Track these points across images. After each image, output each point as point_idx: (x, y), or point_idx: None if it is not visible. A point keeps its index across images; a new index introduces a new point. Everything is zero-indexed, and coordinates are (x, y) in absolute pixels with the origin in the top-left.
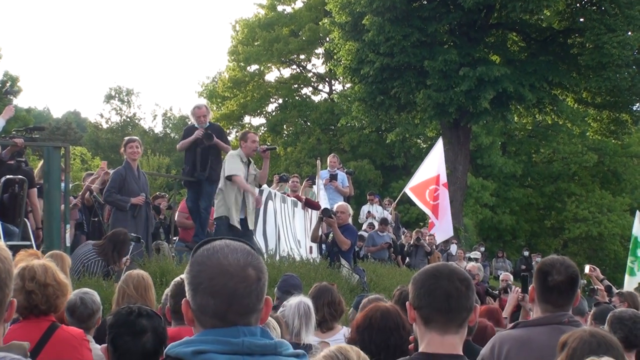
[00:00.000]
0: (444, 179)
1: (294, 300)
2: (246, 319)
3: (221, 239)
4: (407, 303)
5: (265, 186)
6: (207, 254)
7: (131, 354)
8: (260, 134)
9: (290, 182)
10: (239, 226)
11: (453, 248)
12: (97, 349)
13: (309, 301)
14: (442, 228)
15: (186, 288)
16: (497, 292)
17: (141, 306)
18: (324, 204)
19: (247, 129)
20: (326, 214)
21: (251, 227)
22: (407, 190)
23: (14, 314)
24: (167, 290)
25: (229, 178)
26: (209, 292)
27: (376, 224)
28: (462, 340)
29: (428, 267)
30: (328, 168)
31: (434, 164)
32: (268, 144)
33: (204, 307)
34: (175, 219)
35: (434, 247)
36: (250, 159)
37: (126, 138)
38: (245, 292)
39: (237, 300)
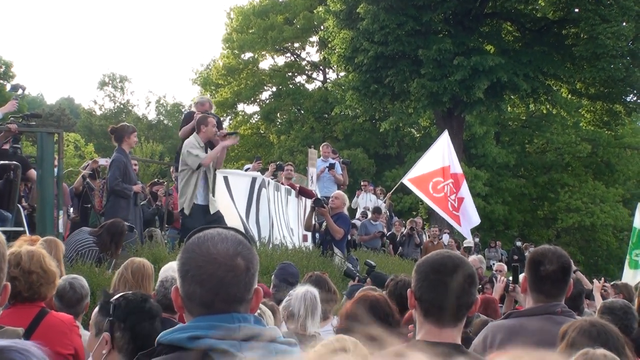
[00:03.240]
0: (457, 169)
1: (300, 290)
2: (234, 308)
3: (214, 227)
4: (408, 290)
5: (258, 174)
6: (198, 242)
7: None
8: (254, 121)
9: (284, 170)
10: (187, 211)
11: (445, 237)
12: (86, 335)
13: (315, 291)
14: (465, 220)
15: (176, 275)
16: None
17: (137, 292)
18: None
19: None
20: (318, 203)
21: (213, 210)
22: (406, 181)
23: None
24: (161, 278)
25: (199, 167)
26: (197, 280)
27: (369, 213)
28: (460, 332)
29: (434, 257)
30: (321, 158)
31: (438, 155)
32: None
33: (192, 295)
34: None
35: (427, 236)
36: (210, 143)
37: (129, 125)
38: (233, 281)
39: (224, 289)
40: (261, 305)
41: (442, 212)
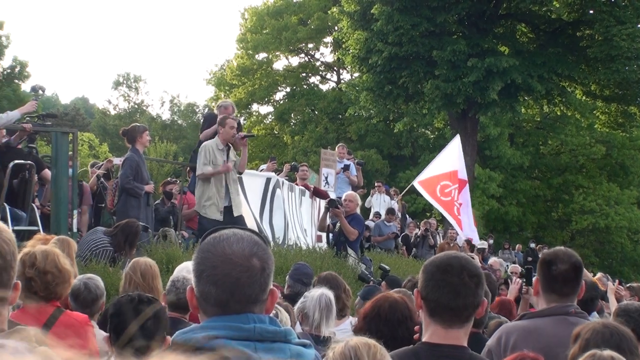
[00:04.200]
0: (463, 175)
1: (315, 292)
2: (249, 308)
3: (230, 227)
4: (415, 290)
5: (273, 174)
6: (213, 242)
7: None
8: (268, 122)
9: (299, 170)
10: (219, 217)
11: (459, 239)
12: (101, 335)
13: (330, 294)
14: (467, 228)
15: (192, 275)
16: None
17: (141, 293)
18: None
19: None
20: (332, 204)
21: (236, 213)
22: (416, 183)
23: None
24: (172, 277)
25: (201, 177)
26: (212, 281)
27: (383, 214)
28: (466, 333)
29: (440, 257)
30: (337, 158)
31: (448, 159)
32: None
33: (207, 295)
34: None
35: (442, 237)
36: (230, 145)
37: (140, 125)
38: (248, 281)
39: (240, 289)
40: (277, 306)
41: (447, 215)
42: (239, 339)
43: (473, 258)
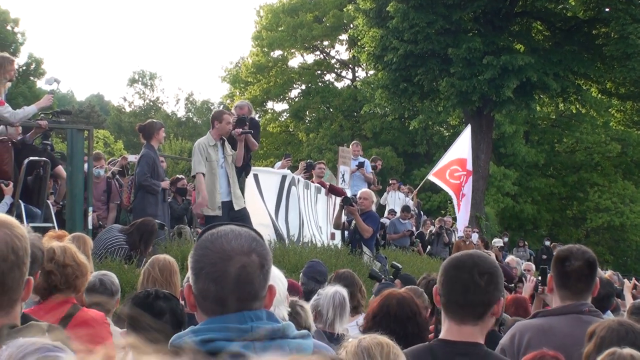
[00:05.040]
0: (470, 166)
1: (329, 290)
2: (247, 305)
3: (227, 224)
4: (434, 287)
5: (288, 171)
6: (211, 239)
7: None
8: (283, 119)
9: (316, 168)
10: (217, 212)
11: (474, 237)
12: (117, 332)
13: (344, 291)
14: (461, 215)
15: (189, 272)
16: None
17: (158, 289)
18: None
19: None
20: (347, 202)
21: (237, 207)
22: (431, 176)
23: (35, 296)
24: (188, 274)
25: (194, 176)
26: (211, 277)
27: (398, 211)
28: (482, 331)
29: (457, 255)
30: (352, 156)
31: (459, 147)
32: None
33: (205, 292)
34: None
35: (455, 234)
36: (224, 139)
37: (157, 121)
38: (248, 278)
39: (239, 286)
40: (301, 302)
41: (454, 198)
42: (236, 339)
43: (489, 255)
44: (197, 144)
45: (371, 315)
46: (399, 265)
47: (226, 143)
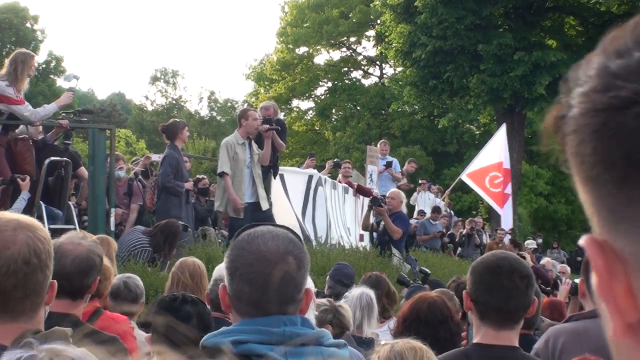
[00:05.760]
0: (507, 165)
1: (355, 292)
2: (283, 308)
3: (265, 224)
4: (464, 292)
5: (315, 171)
6: (248, 239)
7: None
8: (309, 118)
9: (342, 167)
10: (238, 215)
11: (506, 238)
12: (142, 336)
13: (371, 292)
14: (505, 217)
15: (224, 273)
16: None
17: (185, 293)
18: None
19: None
20: (375, 202)
21: (264, 207)
22: (464, 176)
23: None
24: (215, 277)
25: (220, 175)
26: (246, 279)
27: (427, 212)
28: (517, 334)
29: (489, 258)
30: (379, 155)
31: (495, 150)
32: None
33: (240, 294)
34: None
35: (487, 235)
36: (251, 138)
37: (180, 120)
38: (283, 280)
39: (274, 288)
40: (342, 304)
41: (497, 207)
42: (268, 343)
43: (524, 258)
44: (225, 142)
45: (402, 319)
46: (427, 270)
47: (253, 142)
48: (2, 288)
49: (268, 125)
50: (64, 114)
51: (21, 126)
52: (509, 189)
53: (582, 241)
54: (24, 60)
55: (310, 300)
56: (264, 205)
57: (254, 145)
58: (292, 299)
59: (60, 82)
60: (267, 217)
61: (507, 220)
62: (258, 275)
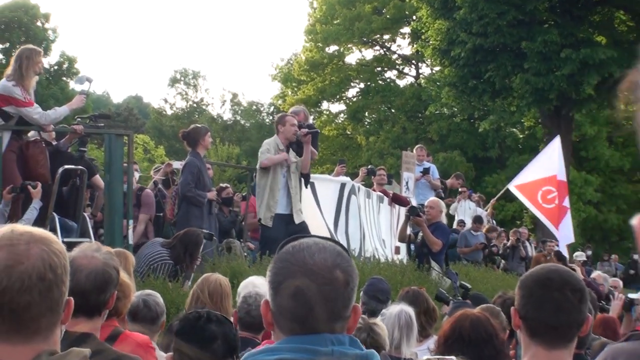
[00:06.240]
0: (562, 177)
1: (393, 309)
2: (329, 326)
3: (311, 236)
4: (512, 308)
5: (348, 179)
6: (293, 251)
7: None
8: (340, 121)
9: (377, 175)
10: (269, 224)
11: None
12: (163, 357)
13: (410, 310)
14: (563, 234)
15: (267, 287)
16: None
17: (210, 311)
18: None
19: (285, 112)
20: (413, 212)
21: (298, 220)
22: (512, 187)
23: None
24: (240, 292)
25: (265, 167)
26: (291, 293)
27: (468, 222)
28: (571, 354)
29: (539, 271)
30: (416, 161)
31: (550, 161)
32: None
33: (284, 310)
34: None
35: (532, 247)
36: (289, 146)
37: (202, 126)
38: (330, 296)
39: (321, 304)
40: (377, 321)
41: (550, 225)
42: None
43: (574, 270)
44: (266, 142)
45: (443, 338)
46: (467, 285)
47: (290, 150)
48: (15, 306)
49: (307, 130)
50: (79, 119)
51: (32, 132)
52: (566, 202)
53: (636, 220)
54: (29, 56)
55: (358, 318)
56: (298, 219)
57: (292, 153)
58: (340, 316)
59: (73, 84)
60: (301, 231)
61: (567, 235)
62: (304, 290)
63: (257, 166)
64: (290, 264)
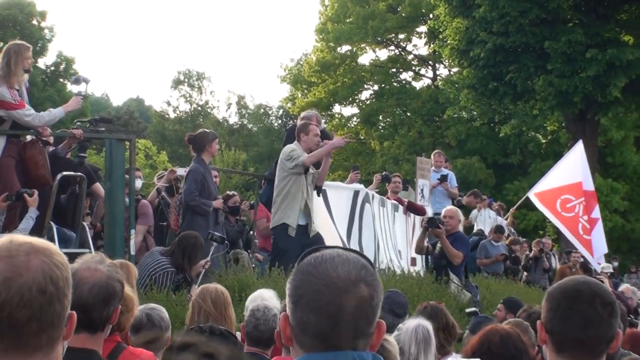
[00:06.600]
0: (590, 186)
1: (410, 323)
2: (352, 343)
3: (333, 247)
4: (538, 322)
5: (361, 186)
6: (314, 263)
7: None
8: (352, 125)
9: (391, 182)
10: (292, 234)
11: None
12: None
13: (428, 325)
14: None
15: (286, 301)
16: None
17: (213, 325)
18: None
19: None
20: (432, 224)
21: (312, 233)
22: (531, 195)
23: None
24: (248, 305)
25: (304, 169)
26: (312, 308)
27: (487, 232)
28: None
29: (567, 283)
30: (433, 168)
31: (571, 168)
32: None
33: (304, 325)
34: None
35: (556, 258)
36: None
37: (210, 131)
38: (354, 311)
39: (344, 320)
40: (387, 337)
41: (570, 235)
42: None
43: (602, 282)
44: (291, 146)
45: (470, 352)
46: (474, 309)
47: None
48: (14, 321)
49: (328, 142)
50: (78, 123)
51: (29, 137)
52: (596, 212)
53: None
54: (18, 51)
55: (382, 335)
56: (313, 230)
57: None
58: (363, 333)
59: (69, 86)
60: (315, 242)
61: (599, 247)
62: (326, 304)
63: (290, 167)
64: (312, 276)
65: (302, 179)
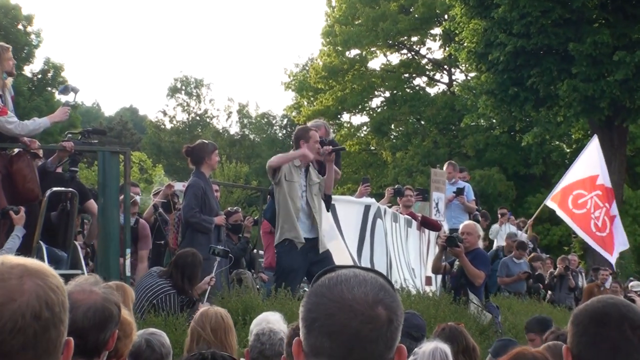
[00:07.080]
0: (606, 181)
1: (427, 347)
2: None
3: (350, 267)
4: (564, 347)
5: (373, 200)
6: (329, 285)
7: None
8: (362, 135)
9: (404, 195)
10: (299, 247)
11: (607, 282)
12: None
13: (446, 348)
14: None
15: (300, 324)
16: None
17: (215, 351)
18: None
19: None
20: (452, 243)
21: (322, 249)
22: (549, 201)
23: None
24: (253, 329)
25: (272, 172)
26: (326, 332)
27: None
28: None
29: (595, 305)
30: (446, 180)
31: (584, 163)
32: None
33: (318, 350)
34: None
35: (582, 276)
36: (311, 164)
37: (209, 142)
38: (372, 335)
39: (360, 345)
40: None
41: (581, 232)
42: None
43: (633, 302)
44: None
45: None
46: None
47: (311, 168)
48: (7, 349)
49: (331, 147)
50: (69, 135)
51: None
52: (614, 210)
53: None
54: None
55: None
56: (322, 246)
57: (313, 172)
58: (381, 358)
59: (57, 95)
60: (323, 260)
61: (619, 243)
62: (342, 328)
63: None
64: (327, 299)
65: (292, 188)
